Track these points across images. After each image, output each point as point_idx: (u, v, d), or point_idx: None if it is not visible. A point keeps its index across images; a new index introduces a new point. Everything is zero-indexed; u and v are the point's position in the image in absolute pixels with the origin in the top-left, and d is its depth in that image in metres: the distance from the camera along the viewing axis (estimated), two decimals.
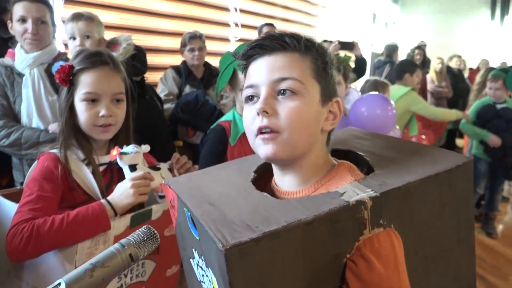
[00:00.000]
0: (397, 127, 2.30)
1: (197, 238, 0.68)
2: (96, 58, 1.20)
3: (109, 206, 1.10)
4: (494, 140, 3.33)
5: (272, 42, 0.74)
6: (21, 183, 1.66)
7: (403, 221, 0.69)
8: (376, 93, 2.22)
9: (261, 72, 0.74)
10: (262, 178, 0.86)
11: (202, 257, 0.70)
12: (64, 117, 1.20)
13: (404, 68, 3.58)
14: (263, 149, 0.73)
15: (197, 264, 0.75)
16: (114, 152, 1.17)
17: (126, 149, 1.18)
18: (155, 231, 0.66)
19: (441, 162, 0.76)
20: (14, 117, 1.77)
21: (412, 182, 0.69)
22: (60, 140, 1.20)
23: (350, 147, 0.89)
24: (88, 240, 1.05)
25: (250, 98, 0.76)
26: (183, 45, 2.91)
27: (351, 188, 0.67)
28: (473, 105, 3.62)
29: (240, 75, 1.60)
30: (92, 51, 1.24)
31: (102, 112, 1.18)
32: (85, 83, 1.18)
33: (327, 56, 0.77)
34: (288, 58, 0.73)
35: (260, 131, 0.72)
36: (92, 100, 1.18)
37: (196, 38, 2.87)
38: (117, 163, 1.27)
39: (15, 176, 1.84)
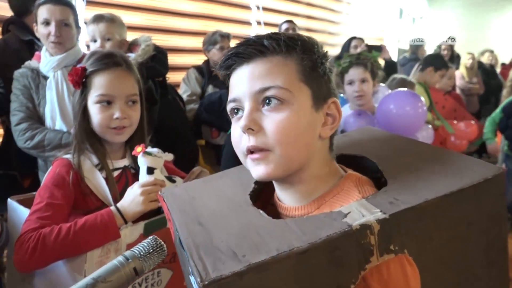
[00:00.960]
0: (430, 126, 2.20)
1: (187, 258, 0.63)
2: (109, 60, 1.18)
3: (119, 213, 1.07)
4: (492, 148, 3.35)
5: (248, 49, 0.67)
6: None
7: (419, 245, 0.60)
8: (405, 89, 2.13)
9: (242, 83, 0.67)
10: (269, 186, 0.80)
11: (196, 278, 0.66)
12: (78, 120, 1.18)
13: (430, 61, 3.42)
14: (254, 170, 0.67)
15: (195, 283, 0.71)
16: (139, 148, 1.14)
17: (150, 150, 1.16)
18: (162, 243, 0.62)
19: (466, 174, 0.66)
20: (38, 119, 1.79)
21: (430, 200, 0.60)
22: (73, 144, 1.18)
23: (365, 152, 0.81)
24: (98, 249, 1.02)
25: (235, 112, 0.70)
26: (213, 43, 2.87)
27: (356, 208, 0.60)
28: (506, 100, 3.49)
29: None
30: (104, 52, 1.23)
31: (117, 114, 1.16)
32: (99, 85, 1.16)
33: (316, 53, 0.69)
34: (268, 63, 0.66)
35: (250, 151, 0.66)
36: (107, 102, 1.16)
37: (225, 37, 2.86)
38: (132, 167, 1.25)
39: (40, 178, 1.85)
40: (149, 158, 1.14)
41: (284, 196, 0.74)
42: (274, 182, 0.75)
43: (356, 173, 0.73)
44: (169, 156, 1.20)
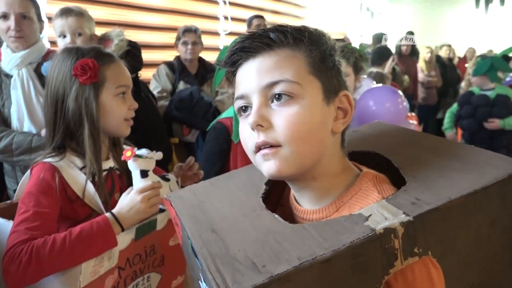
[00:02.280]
0: (414, 122, 2.22)
1: (200, 268, 0.59)
2: (105, 51, 1.14)
3: (116, 221, 1.01)
4: (449, 136, 3.55)
5: (254, 43, 0.64)
6: (15, 191, 1.57)
7: (443, 246, 0.58)
8: (381, 84, 2.15)
9: (249, 79, 0.64)
10: (277, 186, 0.77)
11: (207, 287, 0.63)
12: (95, 118, 1.07)
13: (385, 54, 3.54)
14: (265, 166, 0.64)
15: None
16: (128, 153, 1.06)
17: (140, 152, 1.08)
18: None
19: (489, 170, 0.63)
20: (3, 121, 1.67)
21: (454, 200, 0.57)
22: (58, 144, 1.09)
23: (377, 148, 0.78)
24: (93, 259, 0.96)
25: (243, 109, 0.67)
26: (177, 38, 2.82)
27: (377, 210, 0.57)
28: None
29: None
30: (95, 46, 1.16)
31: (134, 104, 1.13)
32: (116, 76, 1.11)
33: (324, 44, 0.67)
34: (276, 57, 0.63)
35: (259, 148, 0.63)
36: (123, 93, 1.12)
37: (191, 31, 2.78)
38: (117, 168, 1.19)
39: (7, 183, 1.75)
40: (140, 161, 1.07)
41: (301, 198, 0.71)
42: (289, 183, 0.72)
43: (372, 170, 0.70)
44: (159, 155, 1.13)
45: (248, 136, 0.65)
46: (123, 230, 1.02)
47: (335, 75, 0.67)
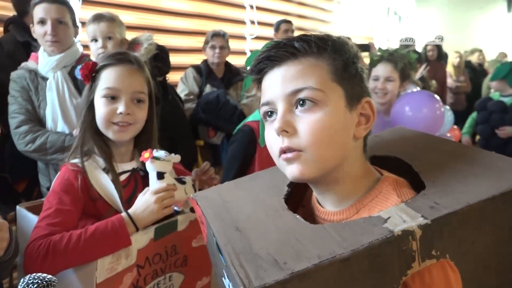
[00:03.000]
0: (447, 135, 2.10)
1: (224, 264, 0.63)
2: (121, 56, 1.17)
3: (130, 221, 1.05)
4: (464, 141, 3.49)
5: (279, 52, 0.68)
6: (48, 188, 1.64)
7: (461, 250, 0.59)
8: (418, 89, 2.07)
9: (274, 86, 0.68)
10: (298, 188, 0.80)
11: (231, 283, 0.65)
12: (83, 116, 1.16)
13: None
14: (288, 170, 0.67)
15: (229, 286, 0.70)
16: (147, 154, 1.10)
17: (158, 154, 1.12)
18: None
19: (508, 176, 0.64)
20: (39, 122, 1.75)
21: (472, 205, 0.58)
22: (79, 146, 1.15)
23: (397, 153, 0.80)
24: (109, 256, 1.00)
25: (268, 115, 0.71)
26: (206, 42, 2.89)
27: (396, 213, 0.59)
28: None
29: None
30: (118, 51, 1.22)
31: (121, 109, 1.12)
32: (106, 78, 1.14)
33: (347, 52, 0.69)
34: (300, 65, 0.66)
35: (283, 152, 0.66)
36: (112, 97, 1.13)
37: (219, 36, 2.84)
38: (141, 169, 1.22)
39: (41, 181, 1.82)
40: (157, 163, 1.10)
41: (324, 200, 0.74)
42: (311, 186, 0.74)
43: (392, 175, 0.72)
44: (177, 158, 1.16)
45: (273, 141, 0.68)
46: (137, 229, 1.05)
47: (358, 82, 0.70)
